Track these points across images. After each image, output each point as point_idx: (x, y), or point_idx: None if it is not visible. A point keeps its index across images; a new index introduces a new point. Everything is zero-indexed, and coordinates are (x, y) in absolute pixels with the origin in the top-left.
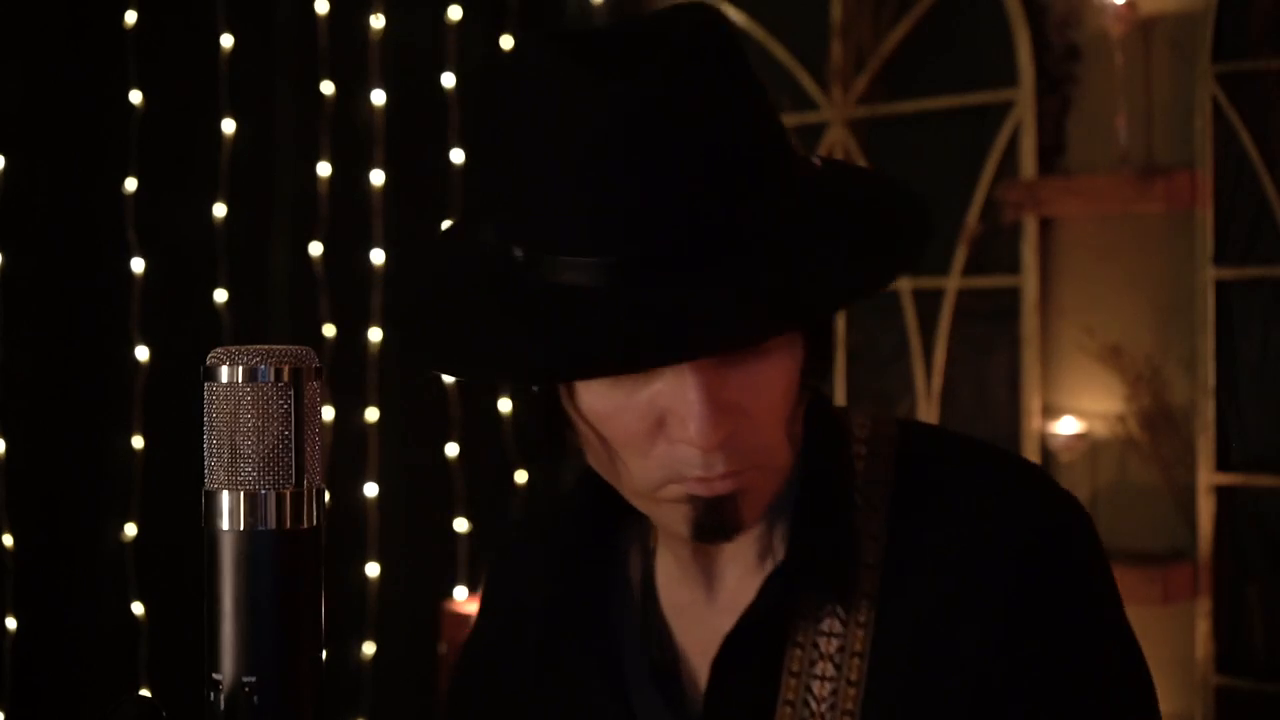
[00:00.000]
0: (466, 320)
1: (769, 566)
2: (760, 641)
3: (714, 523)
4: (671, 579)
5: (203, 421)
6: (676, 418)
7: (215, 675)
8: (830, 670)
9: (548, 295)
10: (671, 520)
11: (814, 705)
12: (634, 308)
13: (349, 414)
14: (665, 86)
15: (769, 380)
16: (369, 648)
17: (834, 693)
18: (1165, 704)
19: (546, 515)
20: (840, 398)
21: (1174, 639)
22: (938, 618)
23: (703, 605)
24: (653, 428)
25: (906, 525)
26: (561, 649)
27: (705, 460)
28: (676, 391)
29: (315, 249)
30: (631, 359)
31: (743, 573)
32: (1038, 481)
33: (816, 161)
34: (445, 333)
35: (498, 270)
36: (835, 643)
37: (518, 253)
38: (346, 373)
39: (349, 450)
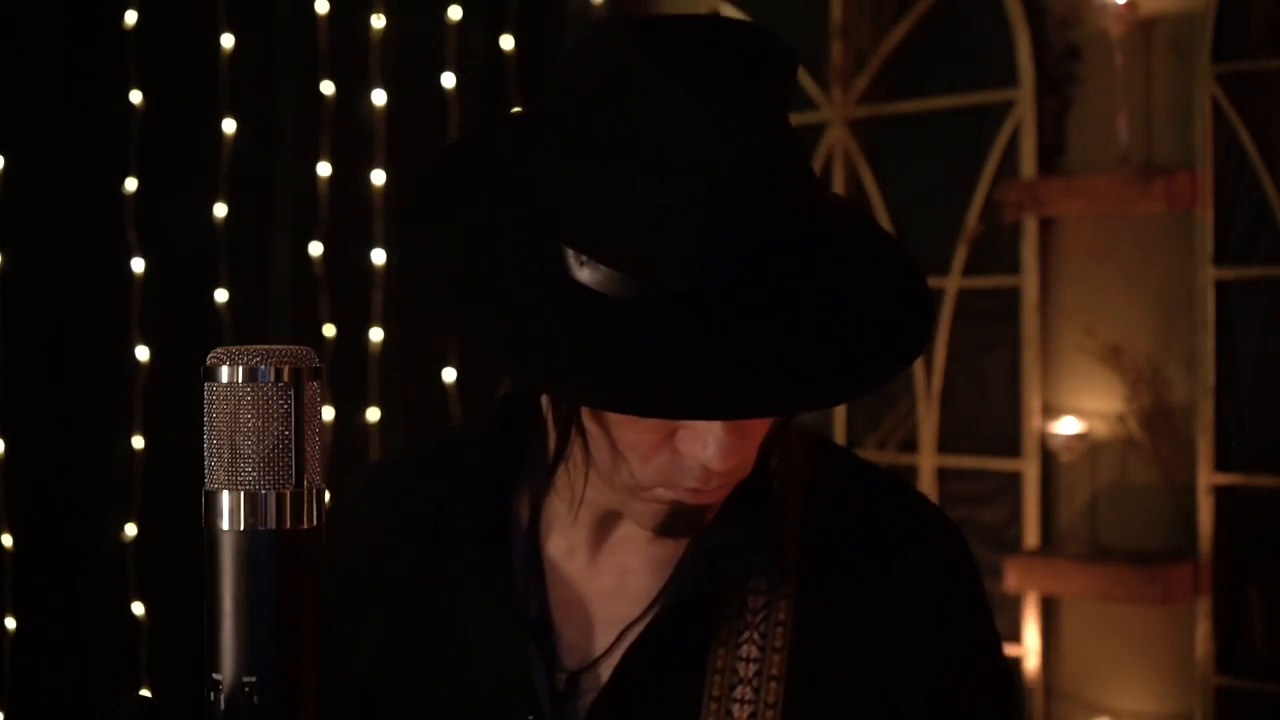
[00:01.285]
0: (536, 324)
1: (664, 541)
2: (675, 646)
3: (683, 523)
4: (559, 526)
5: (203, 421)
6: (696, 439)
7: (215, 675)
8: (749, 694)
9: (632, 323)
10: (642, 514)
11: None
12: (718, 360)
13: (349, 414)
14: (774, 133)
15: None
16: None
17: (753, 715)
18: (1165, 704)
19: (437, 448)
20: None
21: (1174, 639)
22: (852, 637)
23: (584, 560)
24: (664, 439)
25: (821, 538)
26: (455, 566)
27: (706, 476)
28: (706, 423)
29: (315, 249)
30: (722, 412)
31: (631, 536)
32: (933, 509)
33: (833, 199)
34: (511, 332)
35: (562, 277)
36: (753, 667)
37: (578, 265)
38: (346, 373)
39: (349, 450)
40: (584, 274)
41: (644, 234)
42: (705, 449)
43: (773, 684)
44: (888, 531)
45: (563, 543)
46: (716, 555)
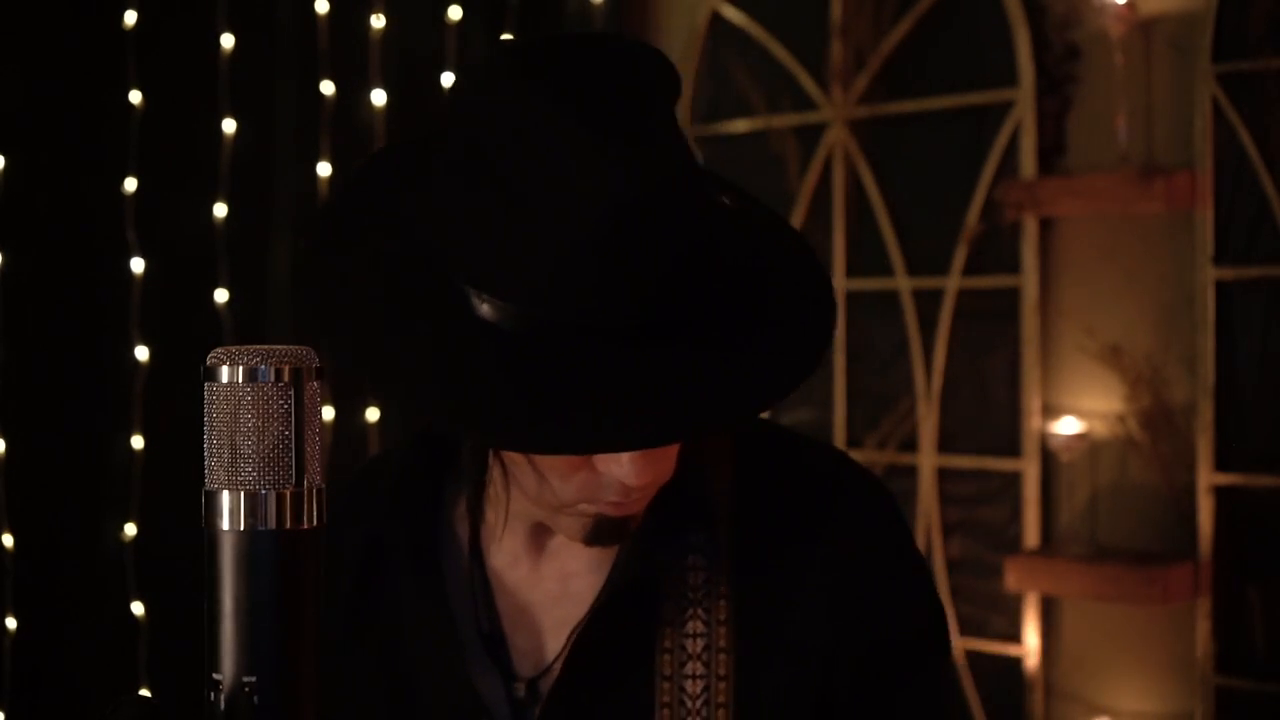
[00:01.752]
0: (440, 366)
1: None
2: (622, 634)
3: (609, 533)
4: (499, 540)
5: (203, 421)
6: (611, 459)
7: (215, 675)
8: (700, 669)
9: (534, 360)
10: (569, 527)
11: (690, 704)
12: (621, 392)
13: (349, 414)
14: (667, 160)
15: None
16: None
17: (706, 689)
18: (1165, 704)
19: (366, 474)
20: (840, 398)
21: (1174, 639)
22: (791, 599)
23: (527, 568)
24: (583, 459)
25: (751, 508)
26: (392, 591)
27: (625, 491)
28: None
29: None
30: (628, 443)
31: (565, 540)
32: (853, 467)
33: (726, 201)
34: (416, 375)
35: (465, 315)
36: (700, 643)
37: (479, 302)
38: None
39: (349, 450)
40: (485, 311)
41: (543, 270)
42: (621, 467)
43: (721, 656)
44: (812, 493)
45: (503, 553)
46: (651, 541)
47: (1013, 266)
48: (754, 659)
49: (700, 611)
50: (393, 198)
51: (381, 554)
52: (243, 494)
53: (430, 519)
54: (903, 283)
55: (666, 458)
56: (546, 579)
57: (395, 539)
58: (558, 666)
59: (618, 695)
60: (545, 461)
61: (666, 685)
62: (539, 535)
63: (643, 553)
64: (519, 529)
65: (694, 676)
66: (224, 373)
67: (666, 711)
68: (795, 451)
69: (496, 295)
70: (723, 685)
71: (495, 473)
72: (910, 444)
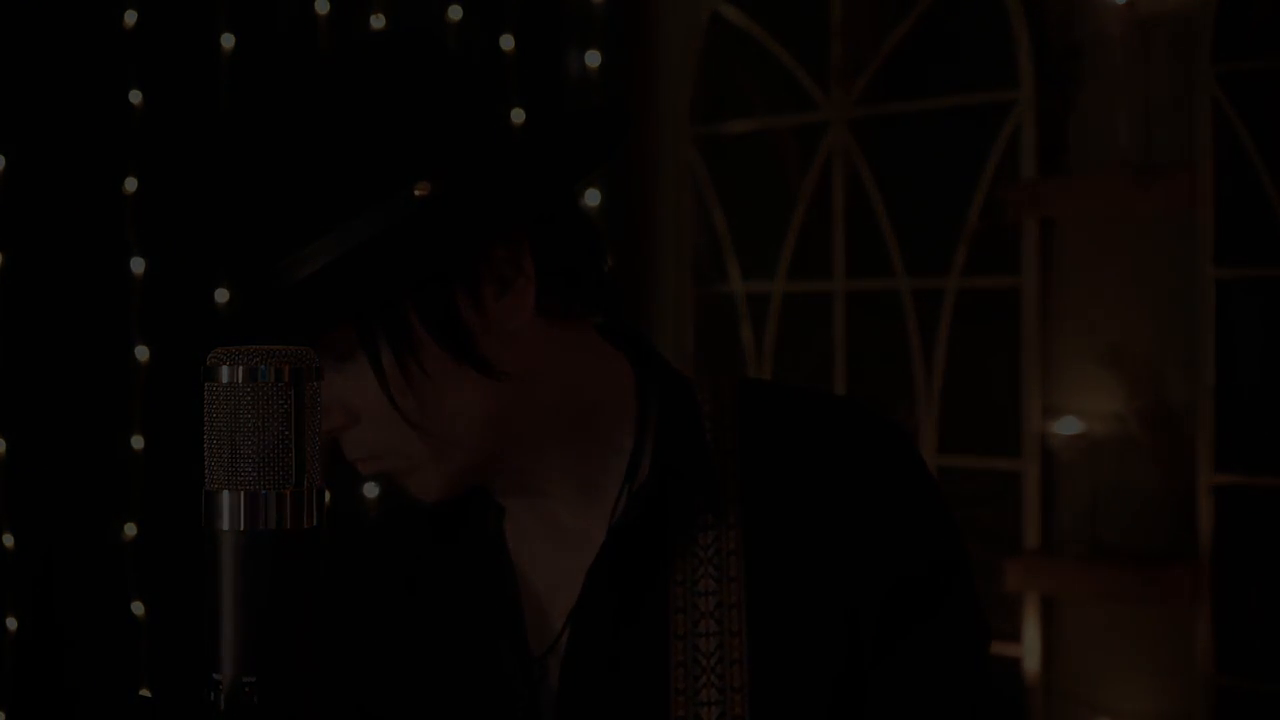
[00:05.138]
0: None
1: (603, 502)
2: (631, 596)
3: (397, 491)
4: (517, 529)
5: (203, 421)
6: None
7: (215, 675)
8: (713, 626)
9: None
10: None
11: (704, 662)
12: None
13: None
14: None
15: (356, 389)
16: None
17: (720, 646)
18: (1165, 704)
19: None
20: None
21: (1174, 639)
22: (802, 548)
23: (543, 549)
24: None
25: (758, 463)
26: (431, 592)
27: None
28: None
29: None
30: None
31: (575, 513)
32: (865, 411)
33: (420, 190)
34: None
35: None
36: (713, 600)
37: None
38: None
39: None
40: None
41: None
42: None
43: (734, 612)
44: (819, 439)
45: (528, 541)
46: (649, 500)
47: (1013, 266)
48: (769, 613)
49: (710, 569)
50: None
51: (428, 548)
52: (243, 494)
53: (461, 516)
54: (903, 283)
55: (344, 413)
56: (563, 556)
57: (431, 536)
58: (565, 637)
59: (630, 658)
60: None
61: (679, 645)
62: (549, 515)
63: (638, 512)
64: (520, 510)
65: (707, 634)
66: (224, 373)
67: (681, 671)
68: (800, 401)
69: None
70: (736, 641)
71: None
72: None
